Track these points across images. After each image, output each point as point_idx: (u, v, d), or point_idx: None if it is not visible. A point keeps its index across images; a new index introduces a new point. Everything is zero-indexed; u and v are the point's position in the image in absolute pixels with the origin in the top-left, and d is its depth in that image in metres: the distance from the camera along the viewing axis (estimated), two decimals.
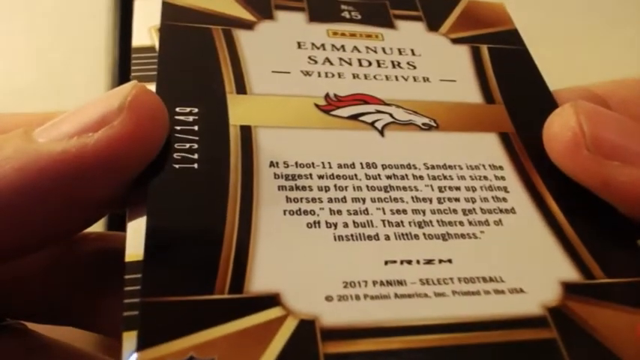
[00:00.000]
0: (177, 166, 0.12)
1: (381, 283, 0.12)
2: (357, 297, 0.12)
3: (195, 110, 0.14)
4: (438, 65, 0.18)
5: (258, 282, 0.12)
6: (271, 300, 0.12)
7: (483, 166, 0.15)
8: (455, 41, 0.19)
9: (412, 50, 0.18)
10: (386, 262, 0.13)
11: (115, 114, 0.11)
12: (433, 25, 0.19)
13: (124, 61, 0.79)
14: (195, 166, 0.13)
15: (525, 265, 0.14)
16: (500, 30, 0.21)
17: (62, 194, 0.11)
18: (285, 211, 0.13)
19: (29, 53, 0.83)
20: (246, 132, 0.14)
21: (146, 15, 0.17)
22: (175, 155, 0.13)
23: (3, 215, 0.10)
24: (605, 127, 0.14)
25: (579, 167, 0.13)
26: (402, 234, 0.13)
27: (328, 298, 0.12)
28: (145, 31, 0.16)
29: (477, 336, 0.12)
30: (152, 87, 0.15)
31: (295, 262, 0.12)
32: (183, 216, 0.12)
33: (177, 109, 0.14)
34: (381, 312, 0.12)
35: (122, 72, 0.79)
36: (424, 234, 0.13)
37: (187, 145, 0.13)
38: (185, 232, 0.12)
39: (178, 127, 0.13)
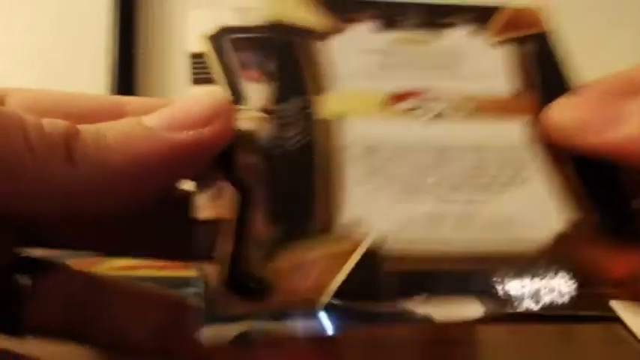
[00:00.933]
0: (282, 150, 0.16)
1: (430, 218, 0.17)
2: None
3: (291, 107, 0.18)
4: (479, 65, 0.22)
5: (345, 217, 0.16)
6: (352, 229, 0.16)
7: (510, 147, 0.19)
8: (497, 44, 0.23)
9: (457, 52, 0.22)
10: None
11: (216, 116, 0.14)
12: (477, 31, 0.23)
13: (123, 61, 0.80)
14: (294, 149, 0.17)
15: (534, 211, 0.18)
16: (536, 32, 0.26)
17: (164, 173, 0.14)
18: (364, 173, 0.17)
19: (29, 53, 0.83)
20: (332, 122, 0.18)
21: (199, 23, 0.19)
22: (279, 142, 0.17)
23: (119, 176, 0.13)
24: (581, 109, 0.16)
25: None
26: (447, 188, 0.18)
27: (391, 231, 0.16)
28: (198, 39, 0.19)
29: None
30: (207, 88, 0.18)
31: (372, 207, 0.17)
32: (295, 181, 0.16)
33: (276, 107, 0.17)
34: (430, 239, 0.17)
35: (122, 72, 0.79)
36: (461, 190, 0.18)
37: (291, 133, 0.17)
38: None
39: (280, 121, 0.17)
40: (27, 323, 0.16)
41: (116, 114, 0.15)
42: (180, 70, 0.83)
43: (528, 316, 0.27)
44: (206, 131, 0.14)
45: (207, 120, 0.14)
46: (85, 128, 0.13)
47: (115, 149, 0.13)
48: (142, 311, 0.16)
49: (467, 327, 0.26)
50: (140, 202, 0.14)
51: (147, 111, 0.15)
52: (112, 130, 0.13)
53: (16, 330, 0.16)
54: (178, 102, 0.15)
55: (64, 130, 0.12)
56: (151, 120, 0.14)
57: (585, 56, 0.87)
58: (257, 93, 0.17)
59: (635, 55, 0.82)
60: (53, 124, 0.12)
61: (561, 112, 0.16)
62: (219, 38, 0.19)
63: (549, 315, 0.27)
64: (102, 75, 0.81)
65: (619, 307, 0.27)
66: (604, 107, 0.15)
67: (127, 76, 0.80)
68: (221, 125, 0.14)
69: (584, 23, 0.83)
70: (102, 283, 0.16)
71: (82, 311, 0.16)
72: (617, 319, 0.26)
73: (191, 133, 0.14)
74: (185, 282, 0.39)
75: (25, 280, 0.16)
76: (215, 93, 0.15)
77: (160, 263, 0.56)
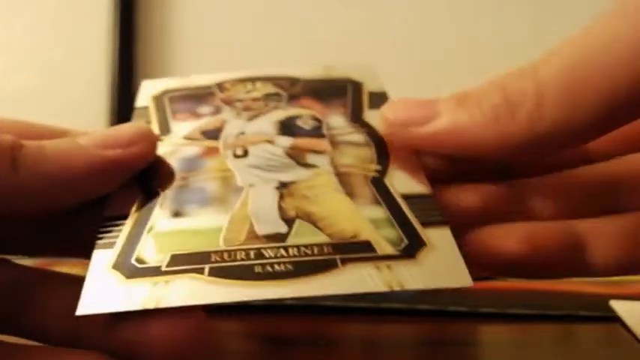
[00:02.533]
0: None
1: None
2: None
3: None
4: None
5: None
6: None
7: None
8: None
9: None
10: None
11: (140, 139, 0.18)
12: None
13: (123, 62, 0.80)
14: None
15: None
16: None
17: (94, 182, 0.17)
18: None
19: (29, 53, 0.83)
20: None
21: (149, 88, 0.28)
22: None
23: (53, 183, 0.16)
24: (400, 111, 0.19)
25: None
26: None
27: None
28: (146, 99, 0.27)
29: None
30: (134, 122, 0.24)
31: None
32: None
33: None
34: None
35: (122, 72, 0.79)
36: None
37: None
38: None
39: None
40: None
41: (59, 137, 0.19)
42: (180, 70, 0.83)
43: (528, 316, 0.27)
44: (131, 150, 0.17)
45: (132, 141, 0.18)
46: (27, 143, 0.16)
47: (52, 160, 0.16)
48: (55, 297, 0.17)
49: (467, 327, 0.26)
50: (73, 206, 0.17)
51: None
52: (50, 145, 0.16)
53: None
54: (109, 128, 0.18)
55: (11, 142, 0.15)
56: (85, 139, 0.17)
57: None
58: (181, 128, 0.22)
59: None
60: (2, 137, 0.15)
61: (390, 111, 0.19)
62: (161, 97, 0.26)
63: (549, 315, 0.28)
64: (102, 75, 0.81)
65: (619, 307, 0.27)
66: (421, 107, 0.19)
67: (126, 76, 0.80)
68: (143, 146, 0.18)
69: (585, 23, 0.83)
70: (32, 275, 0.18)
71: (9, 303, 0.17)
72: (617, 319, 0.26)
73: (118, 151, 0.17)
74: None
75: None
76: (140, 124, 0.19)
77: None
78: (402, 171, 0.19)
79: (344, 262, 0.16)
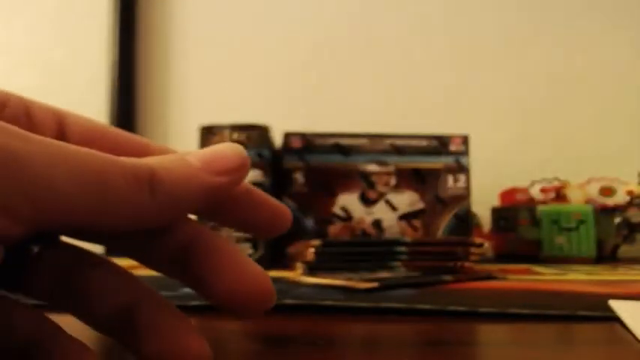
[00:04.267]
0: None
1: None
2: None
3: None
4: None
5: None
6: None
7: None
8: None
9: None
10: None
11: (242, 167, 0.18)
12: None
13: (123, 62, 0.80)
14: None
15: None
16: None
17: (195, 205, 0.17)
18: None
19: (30, 53, 0.83)
20: None
21: None
22: None
23: (177, 205, 0.16)
24: None
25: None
26: None
27: None
28: None
29: None
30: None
31: None
32: None
33: None
34: None
35: (122, 72, 0.80)
36: None
37: None
38: None
39: None
40: (26, 288, 0.18)
41: (144, 152, 0.20)
42: (180, 70, 0.83)
43: (528, 316, 0.27)
44: (234, 177, 0.17)
45: (236, 169, 0.17)
46: (157, 166, 0.16)
47: (178, 184, 0.16)
48: (111, 291, 0.17)
49: (466, 327, 0.26)
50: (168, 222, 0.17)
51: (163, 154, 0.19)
52: (174, 170, 0.16)
53: (15, 290, 0.18)
54: (215, 147, 0.18)
55: (148, 168, 0.16)
56: (195, 160, 0.17)
57: (585, 56, 0.87)
58: None
59: (636, 55, 0.82)
60: (140, 164, 0.16)
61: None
62: None
63: (548, 314, 0.28)
64: (102, 75, 0.81)
65: (618, 306, 0.27)
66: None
67: (127, 76, 0.80)
68: (241, 175, 0.18)
69: (585, 23, 0.83)
70: (88, 259, 0.18)
71: (65, 283, 0.18)
72: (617, 319, 0.26)
73: (225, 178, 0.17)
74: None
75: (34, 249, 0.18)
76: (240, 148, 0.18)
77: None
78: None
79: None
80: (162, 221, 0.16)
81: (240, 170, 0.17)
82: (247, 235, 0.51)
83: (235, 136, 0.53)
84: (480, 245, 0.45)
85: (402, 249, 0.44)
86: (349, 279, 0.36)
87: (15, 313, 0.17)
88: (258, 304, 0.17)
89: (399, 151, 0.58)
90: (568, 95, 0.81)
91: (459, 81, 0.82)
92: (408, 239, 0.45)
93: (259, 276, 0.17)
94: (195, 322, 0.28)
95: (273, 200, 0.20)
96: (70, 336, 0.17)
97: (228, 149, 0.17)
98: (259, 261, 0.50)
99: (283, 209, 0.20)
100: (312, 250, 0.45)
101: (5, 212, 0.13)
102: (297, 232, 0.56)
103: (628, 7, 0.82)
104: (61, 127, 0.20)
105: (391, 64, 0.82)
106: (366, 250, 0.44)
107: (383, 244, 0.45)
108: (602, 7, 0.82)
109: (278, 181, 0.56)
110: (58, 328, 0.17)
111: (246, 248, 0.51)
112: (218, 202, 0.18)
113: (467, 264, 0.42)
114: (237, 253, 0.17)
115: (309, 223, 0.57)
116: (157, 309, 0.17)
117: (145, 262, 0.19)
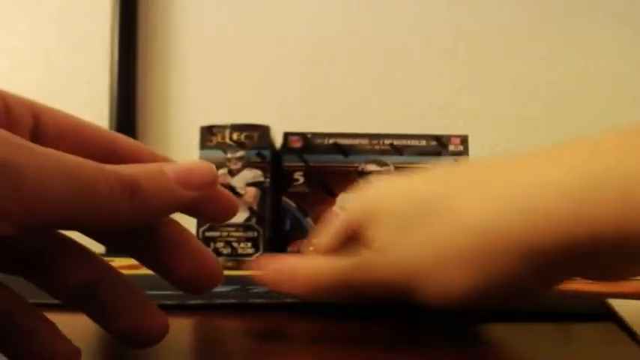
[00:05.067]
0: None
1: None
2: None
3: None
4: None
5: None
6: None
7: None
8: None
9: None
10: None
11: (212, 184, 0.20)
12: None
13: (124, 62, 0.80)
14: None
15: None
16: None
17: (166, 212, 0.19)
18: None
19: (32, 54, 0.83)
20: None
21: None
22: None
23: (151, 213, 0.18)
24: None
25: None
26: None
27: None
28: None
29: None
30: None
31: None
32: None
33: None
34: None
35: (122, 72, 0.80)
36: None
37: None
38: None
39: None
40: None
41: (113, 146, 0.21)
42: (180, 70, 0.84)
43: (526, 315, 0.27)
44: (201, 193, 0.19)
45: (206, 185, 0.19)
46: (137, 176, 0.18)
47: (155, 195, 0.18)
48: (75, 267, 0.19)
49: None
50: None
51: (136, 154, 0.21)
52: (152, 180, 0.18)
53: None
54: (189, 163, 0.20)
55: (130, 178, 0.17)
56: (172, 173, 0.19)
57: (585, 56, 0.87)
58: None
59: (635, 55, 0.82)
60: (124, 173, 0.17)
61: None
62: None
63: (547, 313, 0.28)
64: (103, 75, 0.81)
65: (616, 305, 0.27)
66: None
67: (127, 76, 0.80)
68: (210, 191, 0.20)
69: (585, 23, 0.83)
70: (54, 238, 0.20)
71: (37, 259, 0.20)
72: (615, 318, 0.26)
73: (194, 193, 0.19)
74: None
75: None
76: (211, 165, 0.20)
77: None
78: None
79: None
80: (138, 224, 0.18)
81: (209, 186, 0.19)
82: (247, 235, 0.51)
83: (235, 136, 0.53)
84: None
85: None
86: None
87: None
88: (212, 283, 0.20)
89: (399, 151, 0.59)
90: (568, 95, 0.81)
91: (458, 81, 0.82)
92: None
93: (213, 260, 0.20)
94: (195, 322, 0.28)
95: (207, 253, 0.21)
96: (42, 315, 0.19)
97: (201, 166, 0.19)
98: None
99: (214, 264, 0.20)
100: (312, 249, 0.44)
101: (2, 217, 0.15)
102: (297, 232, 0.56)
103: (628, 8, 0.82)
104: (36, 121, 0.21)
105: (391, 64, 0.82)
106: None
107: None
108: (602, 7, 0.82)
109: (278, 181, 0.57)
110: (28, 306, 0.19)
111: (247, 248, 0.51)
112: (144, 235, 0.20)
113: None
114: (194, 240, 0.20)
115: (309, 223, 0.57)
116: (119, 286, 0.19)
117: (126, 251, 0.21)
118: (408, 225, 0.26)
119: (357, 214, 0.29)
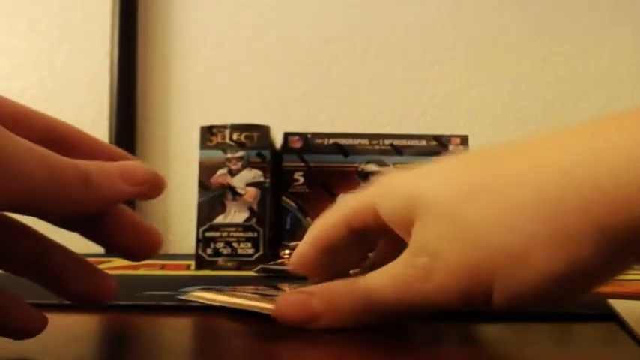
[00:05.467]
0: None
1: None
2: None
3: None
4: None
5: None
6: None
7: None
8: None
9: None
10: None
11: (149, 182, 0.22)
12: None
13: (123, 62, 0.80)
14: None
15: None
16: None
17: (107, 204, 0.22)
18: None
19: (32, 54, 0.83)
20: None
21: None
22: None
23: (98, 202, 0.21)
24: None
25: None
26: None
27: None
28: None
29: None
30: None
31: None
32: None
33: None
34: None
35: (122, 73, 0.80)
36: None
37: None
38: None
39: None
40: None
41: (55, 132, 0.23)
42: (181, 69, 0.84)
43: (526, 315, 0.27)
44: (141, 189, 0.22)
45: (144, 182, 0.22)
46: (90, 169, 0.20)
47: (104, 186, 0.20)
48: (22, 242, 0.22)
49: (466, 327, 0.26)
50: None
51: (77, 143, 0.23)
52: (101, 174, 0.20)
53: None
54: (133, 163, 0.23)
55: (85, 169, 0.20)
56: (117, 170, 0.21)
57: (585, 56, 0.87)
58: None
59: (635, 55, 0.82)
60: (81, 166, 0.20)
61: (277, 313, 0.25)
62: None
63: (547, 313, 0.28)
64: (103, 75, 0.81)
65: (617, 305, 0.27)
66: (302, 311, 0.25)
67: (127, 76, 0.80)
68: (150, 188, 0.22)
69: (585, 23, 0.83)
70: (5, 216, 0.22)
71: None
72: (615, 318, 0.26)
73: (135, 188, 0.21)
74: (185, 282, 0.40)
75: None
76: (152, 169, 0.22)
77: (160, 263, 0.56)
78: None
79: None
80: (89, 211, 0.20)
81: (147, 184, 0.22)
82: (247, 235, 0.51)
83: (235, 136, 0.53)
84: None
85: None
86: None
87: None
88: (152, 251, 0.22)
89: (399, 151, 0.59)
90: (568, 95, 0.81)
91: (458, 81, 0.82)
92: None
93: (151, 230, 0.22)
94: (195, 322, 0.28)
95: (143, 224, 0.23)
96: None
97: (142, 167, 0.22)
98: (259, 260, 0.50)
99: (152, 234, 0.23)
100: (287, 252, 0.44)
101: None
102: (297, 233, 0.56)
103: (628, 8, 0.82)
104: None
105: (391, 64, 0.82)
106: None
107: None
108: (602, 7, 0.82)
109: (278, 181, 0.57)
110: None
111: (247, 248, 0.51)
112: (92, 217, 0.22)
113: None
114: (134, 216, 0.22)
115: (309, 223, 0.57)
116: (67, 255, 0.22)
117: (73, 229, 0.22)
118: (462, 216, 0.22)
119: (390, 208, 0.25)
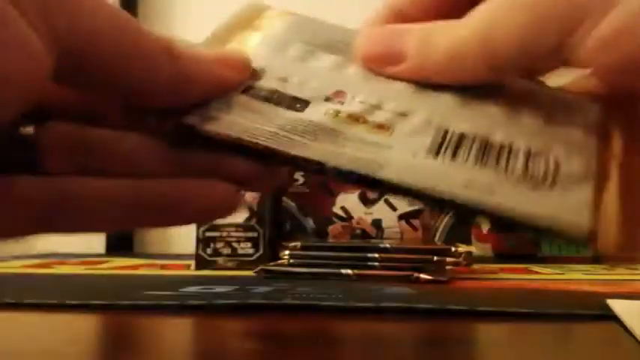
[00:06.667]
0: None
1: None
2: None
3: None
4: None
5: None
6: None
7: None
8: None
9: None
10: None
11: (247, 69, 0.21)
12: None
13: None
14: None
15: None
16: None
17: (208, 92, 0.20)
18: None
19: None
20: None
21: None
22: None
23: (189, 78, 0.19)
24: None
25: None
26: None
27: None
28: None
29: None
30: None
31: None
32: None
33: None
34: None
35: None
36: None
37: None
38: None
39: None
40: (43, 166, 0.19)
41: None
42: None
43: (526, 315, 0.27)
44: (241, 75, 0.20)
45: (242, 68, 0.20)
46: (174, 43, 0.18)
47: (193, 65, 0.18)
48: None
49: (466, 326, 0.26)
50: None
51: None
52: (190, 50, 0.19)
53: (35, 171, 0.18)
54: (227, 49, 0.22)
55: (168, 40, 0.18)
56: (210, 52, 0.20)
57: None
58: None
59: None
60: (161, 37, 0.18)
61: (361, 47, 0.22)
62: None
63: (547, 313, 0.28)
64: None
65: (616, 305, 0.27)
66: (389, 46, 0.21)
67: None
68: (247, 73, 0.20)
69: None
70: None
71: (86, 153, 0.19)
72: (615, 318, 0.26)
73: (231, 73, 0.20)
74: (185, 281, 0.40)
75: (27, 130, 0.19)
76: (245, 53, 0.21)
77: (160, 263, 0.56)
78: None
79: None
80: (174, 96, 0.18)
81: (244, 71, 0.20)
82: (247, 235, 0.51)
83: None
84: (458, 255, 0.43)
85: (375, 256, 0.43)
86: None
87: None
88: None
89: None
90: None
91: None
92: (385, 245, 0.44)
93: None
94: (195, 322, 0.28)
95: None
96: None
97: (237, 52, 0.21)
98: (259, 260, 0.50)
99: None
100: (286, 253, 0.44)
101: (50, 31, 0.15)
102: (297, 232, 0.56)
103: None
104: None
105: None
106: (339, 255, 0.43)
107: (358, 249, 0.44)
108: None
109: None
110: None
111: (247, 248, 0.51)
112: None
113: (423, 275, 0.39)
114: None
115: (309, 223, 0.57)
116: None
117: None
118: None
119: None
